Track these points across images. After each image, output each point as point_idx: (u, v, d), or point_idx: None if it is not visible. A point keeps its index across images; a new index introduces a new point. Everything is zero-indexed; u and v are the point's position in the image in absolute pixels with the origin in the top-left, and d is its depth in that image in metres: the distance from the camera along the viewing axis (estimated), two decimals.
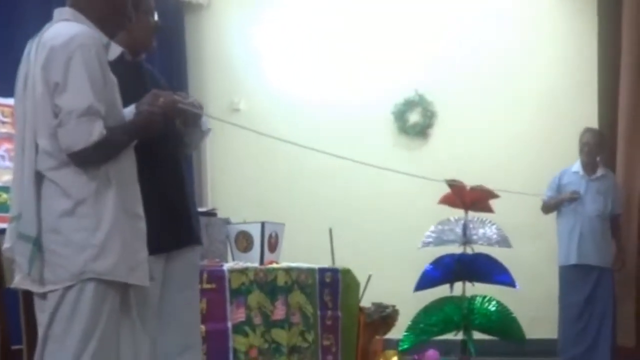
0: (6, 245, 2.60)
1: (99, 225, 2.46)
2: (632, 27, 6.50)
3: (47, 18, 2.68)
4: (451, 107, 7.08)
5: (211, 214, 4.73)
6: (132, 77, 2.87)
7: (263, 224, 4.69)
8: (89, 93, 2.44)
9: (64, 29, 2.52)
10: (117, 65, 2.69)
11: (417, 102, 7.12)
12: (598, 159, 6.32)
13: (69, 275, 2.45)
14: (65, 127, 2.43)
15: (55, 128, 2.45)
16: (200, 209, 4.09)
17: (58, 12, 2.63)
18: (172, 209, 2.98)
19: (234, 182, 7.22)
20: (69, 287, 2.45)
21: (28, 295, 2.71)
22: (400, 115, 7.13)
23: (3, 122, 5.22)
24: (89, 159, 2.47)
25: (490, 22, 7.09)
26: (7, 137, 5.13)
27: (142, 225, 2.61)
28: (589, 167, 6.23)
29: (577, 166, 6.26)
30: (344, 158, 4.44)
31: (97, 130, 2.44)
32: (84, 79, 2.45)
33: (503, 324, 6.05)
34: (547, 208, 6.31)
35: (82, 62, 2.45)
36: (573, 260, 6.12)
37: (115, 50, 2.70)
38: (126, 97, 2.68)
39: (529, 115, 7.03)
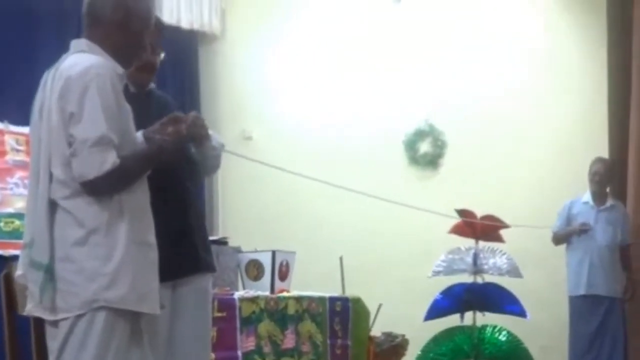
0: (19, 272, 2.64)
1: (111, 255, 2.49)
2: None
3: (63, 49, 2.73)
4: (462, 137, 7.09)
5: (222, 242, 4.76)
6: (136, 107, 2.90)
7: (274, 253, 4.71)
8: (102, 123, 2.48)
9: (81, 59, 2.57)
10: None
11: (427, 132, 7.14)
12: (608, 189, 6.33)
13: (80, 304, 2.47)
14: (79, 156, 2.47)
15: (69, 157, 2.49)
16: (211, 238, 4.11)
17: (75, 44, 2.69)
18: (175, 236, 2.97)
19: (244, 210, 7.25)
20: (80, 316, 2.47)
21: (39, 322, 2.73)
22: (411, 144, 7.15)
23: (17, 150, 5.29)
24: (101, 187, 2.50)
25: (500, 53, 7.13)
26: (22, 165, 5.19)
27: (154, 254, 2.63)
28: (599, 197, 6.24)
29: (587, 196, 6.28)
30: (356, 192, 4.48)
31: (110, 159, 2.47)
32: (98, 109, 2.48)
33: (513, 354, 6.03)
34: (558, 239, 6.33)
35: (97, 92, 2.49)
36: (582, 291, 6.13)
37: None
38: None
39: (539, 145, 7.04)
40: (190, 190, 3.14)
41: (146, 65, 3.02)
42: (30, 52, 5.54)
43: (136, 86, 3.10)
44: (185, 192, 3.08)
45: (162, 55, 3.15)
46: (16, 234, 4.86)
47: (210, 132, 3.12)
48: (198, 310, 3.10)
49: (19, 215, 4.93)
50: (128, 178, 2.57)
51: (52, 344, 2.56)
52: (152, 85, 3.21)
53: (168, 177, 2.89)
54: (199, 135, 2.86)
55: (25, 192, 4.96)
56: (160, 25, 3.11)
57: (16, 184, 5.22)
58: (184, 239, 3.04)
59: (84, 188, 2.49)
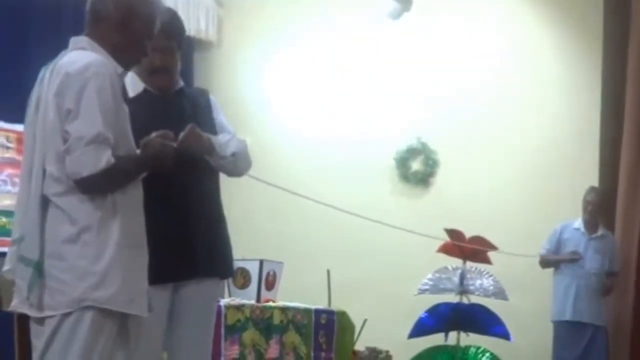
0: (6, 267, 2.60)
1: (102, 254, 2.45)
2: (636, 83, 6.59)
3: (57, 46, 2.71)
4: (454, 156, 7.10)
5: None
6: (160, 108, 2.96)
7: (261, 262, 4.70)
8: (98, 121, 2.45)
9: (80, 57, 2.54)
10: (143, 97, 2.89)
11: (419, 150, 7.14)
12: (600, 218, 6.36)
13: (68, 302, 2.43)
14: (73, 153, 2.44)
15: (63, 154, 2.46)
16: None
17: (74, 41, 2.65)
18: (174, 238, 2.97)
19: (233, 219, 7.18)
20: (67, 314, 2.43)
21: (23, 319, 2.69)
22: (403, 162, 7.14)
23: (7, 148, 5.25)
24: (95, 186, 2.47)
25: (494, 73, 7.14)
26: (10, 162, 5.16)
27: (145, 256, 2.61)
28: (591, 225, 6.27)
29: (578, 223, 6.30)
30: (345, 211, 4.53)
31: (104, 158, 2.45)
32: (95, 107, 2.46)
33: None
34: (545, 264, 6.33)
35: (95, 90, 2.46)
36: (567, 317, 6.13)
37: (137, 86, 2.82)
38: (148, 129, 2.71)
39: (531, 166, 7.04)
40: (197, 195, 3.07)
41: (155, 68, 3.03)
42: (22, 50, 5.51)
43: (157, 89, 3.10)
44: (187, 196, 3.03)
45: (178, 56, 3.13)
46: (3, 230, 4.82)
47: (227, 138, 3.09)
48: (199, 314, 3.08)
49: (6, 213, 4.89)
50: (122, 178, 2.54)
51: (37, 341, 2.52)
52: (181, 84, 3.19)
53: (169, 180, 2.86)
54: (191, 148, 2.85)
55: (13, 189, 4.95)
56: (176, 29, 3.10)
57: (4, 181, 5.19)
58: (183, 243, 3.02)
59: (77, 185, 2.46)
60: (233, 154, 3.10)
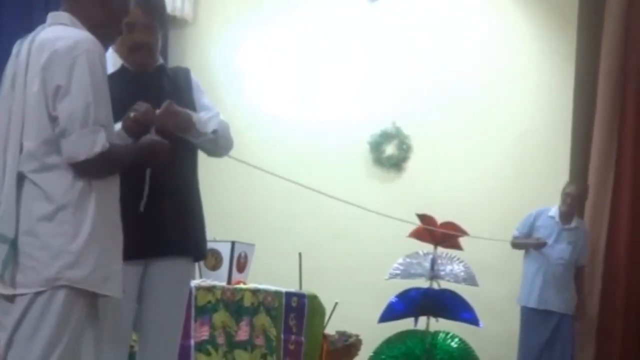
0: None
1: (78, 233, 2.43)
2: (608, 75, 6.67)
3: (29, 21, 2.67)
4: (427, 142, 7.10)
5: None
6: (138, 85, 2.95)
7: (233, 244, 4.68)
8: (90, 98, 2.43)
9: (67, 32, 2.51)
10: (120, 74, 2.89)
11: (393, 135, 7.14)
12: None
13: (41, 280, 2.41)
14: (69, 137, 2.42)
15: (51, 133, 2.43)
16: None
17: (54, 16, 2.61)
18: (146, 215, 2.94)
19: (205, 200, 7.15)
20: (39, 293, 2.41)
21: None
22: (377, 146, 7.13)
23: None
24: (92, 170, 2.46)
25: (469, 60, 7.15)
26: None
27: (120, 235, 2.59)
28: (566, 216, 6.32)
29: (554, 211, 6.33)
30: (321, 192, 4.49)
31: (100, 142, 2.44)
32: (88, 85, 2.43)
33: None
34: (515, 245, 6.38)
35: (87, 67, 2.44)
36: (533, 304, 6.18)
37: (116, 63, 2.85)
38: (125, 106, 2.70)
39: (504, 153, 7.07)
40: (172, 173, 3.03)
41: (136, 45, 3.01)
42: None
43: (135, 66, 3.07)
44: (161, 174, 2.99)
45: (159, 35, 3.09)
46: None
47: (209, 115, 3.09)
48: (170, 294, 3.06)
49: None
50: (115, 164, 2.55)
51: (6, 318, 2.49)
52: (160, 61, 3.15)
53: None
54: (168, 126, 2.83)
55: None
56: (158, 7, 3.08)
57: None
58: (155, 220, 2.99)
59: (75, 169, 2.44)
60: (214, 132, 3.09)
